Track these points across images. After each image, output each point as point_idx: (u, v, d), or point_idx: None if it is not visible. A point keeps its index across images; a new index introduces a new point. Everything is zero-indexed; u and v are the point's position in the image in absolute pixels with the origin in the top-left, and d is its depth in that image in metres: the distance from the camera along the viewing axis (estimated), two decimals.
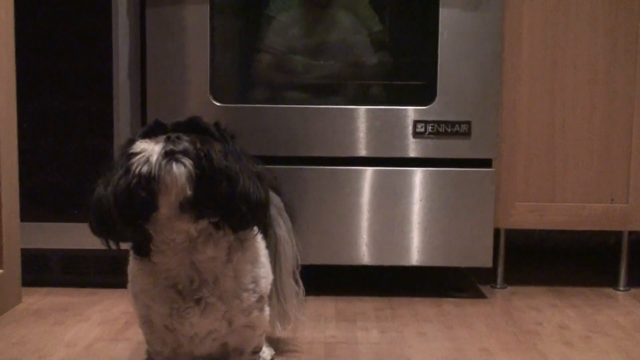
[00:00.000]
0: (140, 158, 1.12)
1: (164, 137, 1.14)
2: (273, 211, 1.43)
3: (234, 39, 2.17)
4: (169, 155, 1.11)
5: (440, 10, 1.93)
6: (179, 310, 1.23)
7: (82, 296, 1.98)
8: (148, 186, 1.10)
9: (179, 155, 1.11)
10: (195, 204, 1.13)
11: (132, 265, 1.28)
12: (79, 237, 1.99)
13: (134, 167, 1.11)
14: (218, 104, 1.96)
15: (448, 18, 1.94)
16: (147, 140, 1.15)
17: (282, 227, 1.46)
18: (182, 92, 1.97)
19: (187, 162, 1.11)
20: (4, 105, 1.81)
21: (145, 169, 1.11)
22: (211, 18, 1.96)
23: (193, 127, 1.18)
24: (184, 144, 1.13)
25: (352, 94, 2.12)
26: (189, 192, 1.11)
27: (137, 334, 1.65)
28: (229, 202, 1.15)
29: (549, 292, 2.09)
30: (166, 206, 1.13)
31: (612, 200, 2.04)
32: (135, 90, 2.00)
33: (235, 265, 1.24)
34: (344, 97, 2.11)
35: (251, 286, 1.26)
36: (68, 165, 2.00)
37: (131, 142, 1.17)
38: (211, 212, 1.16)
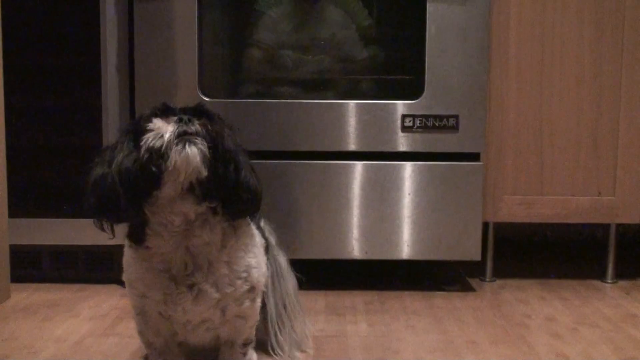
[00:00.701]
0: (153, 134, 1.14)
1: (175, 117, 1.16)
2: (272, 240, 1.47)
3: (223, 33, 2.16)
4: (181, 136, 1.13)
5: (427, 4, 1.94)
6: (172, 296, 1.24)
7: (72, 292, 1.98)
8: (157, 162, 1.12)
9: (193, 137, 1.14)
10: (205, 185, 1.16)
11: (127, 254, 1.29)
12: (68, 232, 1.99)
13: (147, 142, 1.13)
14: (207, 98, 1.96)
15: (435, 12, 1.94)
16: (161, 119, 1.17)
17: (282, 256, 1.50)
18: (171, 87, 1.96)
19: (201, 143, 1.14)
20: None
21: (157, 143, 1.13)
22: (199, 12, 1.96)
23: (200, 112, 1.20)
24: (196, 126, 1.15)
25: (341, 89, 2.12)
26: (204, 173, 1.14)
27: (127, 329, 1.66)
28: (232, 188, 1.18)
29: (538, 284, 2.11)
30: (172, 186, 1.15)
31: (599, 193, 2.06)
32: (124, 85, 2.00)
33: (229, 252, 1.25)
34: (333, 91, 2.11)
35: (244, 275, 1.27)
36: (57, 160, 1.99)
37: (137, 122, 1.19)
38: (216, 195, 1.18)
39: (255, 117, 1.97)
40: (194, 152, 1.13)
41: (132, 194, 1.15)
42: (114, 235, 1.22)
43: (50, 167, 2.00)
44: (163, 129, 1.15)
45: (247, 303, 1.30)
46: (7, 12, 1.87)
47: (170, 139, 1.13)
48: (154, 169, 1.13)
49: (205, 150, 1.15)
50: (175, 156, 1.12)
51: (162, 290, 1.24)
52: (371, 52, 2.14)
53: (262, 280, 1.34)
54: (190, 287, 1.24)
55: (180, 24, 1.95)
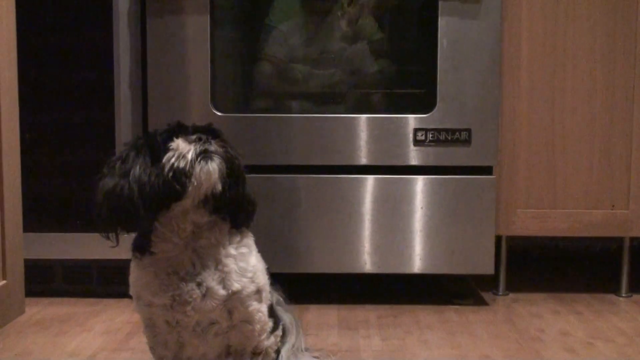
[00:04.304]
0: (176, 154, 1.22)
1: (194, 137, 1.24)
2: (276, 302, 1.50)
3: (235, 48, 2.18)
4: (202, 154, 1.22)
5: (439, 18, 1.94)
6: (180, 295, 1.26)
7: (85, 306, 1.98)
8: (181, 180, 1.21)
9: (212, 155, 1.23)
10: (217, 199, 1.24)
11: (133, 268, 1.31)
12: (81, 247, 2.00)
13: (170, 162, 1.21)
14: (219, 113, 1.96)
15: (447, 26, 1.95)
16: (181, 139, 1.24)
17: (286, 317, 1.53)
18: (183, 102, 1.97)
19: (219, 160, 1.23)
20: (7, 116, 1.82)
21: (181, 164, 1.21)
22: (212, 28, 1.97)
23: (210, 131, 1.27)
24: (215, 145, 1.24)
25: (353, 103, 2.13)
26: (219, 188, 1.24)
27: (140, 344, 1.66)
28: (239, 201, 1.29)
29: (551, 298, 2.09)
30: (191, 199, 1.23)
31: (612, 206, 2.05)
32: (137, 101, 2.01)
33: (237, 248, 1.31)
34: (345, 105, 2.12)
35: (250, 274, 1.31)
36: (70, 176, 2.00)
37: (151, 137, 1.26)
38: (225, 208, 1.27)
39: (266, 131, 1.97)
40: (215, 167, 1.23)
41: (151, 205, 1.21)
42: (117, 244, 1.25)
43: (64, 182, 2.01)
44: (184, 149, 1.22)
45: (254, 305, 1.32)
46: (21, 28, 1.89)
47: (192, 158, 1.21)
48: (177, 186, 1.21)
49: (223, 167, 1.24)
50: (198, 171, 1.21)
51: (170, 292, 1.26)
52: (382, 65, 2.15)
53: (268, 286, 1.37)
54: (199, 285, 1.27)
55: (192, 39, 1.96)
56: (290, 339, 1.54)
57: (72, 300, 2.02)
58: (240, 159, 1.29)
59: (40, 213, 2.01)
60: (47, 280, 2.05)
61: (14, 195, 1.86)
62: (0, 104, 1.79)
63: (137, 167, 1.22)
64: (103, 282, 2.04)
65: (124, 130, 1.98)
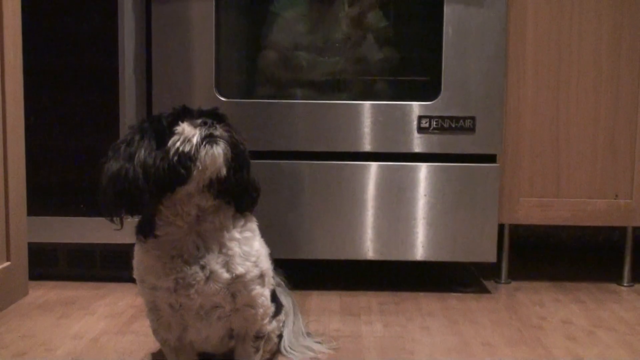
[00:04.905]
0: (182, 138, 1.21)
1: (199, 121, 1.23)
2: (278, 285, 1.51)
3: (239, 35, 2.17)
4: (207, 138, 1.22)
5: (444, 6, 1.94)
6: (184, 278, 1.26)
7: (88, 290, 1.99)
8: (186, 164, 1.20)
9: (217, 139, 1.23)
10: (222, 183, 1.25)
11: (137, 251, 1.32)
12: (84, 231, 2.00)
13: (176, 145, 1.21)
14: (223, 99, 1.96)
15: (452, 14, 1.94)
16: (186, 123, 1.23)
17: (287, 301, 1.55)
18: (188, 88, 1.97)
19: (224, 145, 1.23)
20: (12, 101, 1.82)
21: (186, 148, 1.20)
22: (216, 14, 1.97)
23: (215, 116, 1.27)
24: (220, 130, 1.24)
25: (357, 90, 2.13)
26: (224, 172, 1.24)
27: (143, 327, 1.67)
28: (244, 186, 1.29)
29: (553, 287, 2.10)
30: (195, 183, 1.23)
31: (616, 196, 2.05)
32: (141, 86, 2.01)
33: (241, 232, 1.31)
34: (349, 92, 2.11)
35: (253, 259, 1.31)
36: (74, 160, 2.01)
37: (156, 120, 1.25)
38: (230, 192, 1.28)
39: (270, 117, 1.97)
40: (220, 152, 1.22)
41: (156, 189, 1.22)
42: (122, 227, 1.26)
43: (68, 166, 2.02)
44: (190, 133, 1.22)
45: (257, 289, 1.32)
46: (26, 11, 1.89)
47: (198, 142, 1.21)
48: (182, 170, 1.20)
49: (227, 151, 1.24)
50: (203, 155, 1.21)
51: (174, 275, 1.26)
52: (387, 53, 2.14)
53: (271, 271, 1.38)
54: (203, 267, 1.27)
55: (197, 25, 1.96)
56: (289, 322, 1.55)
57: (76, 284, 2.03)
58: (245, 144, 1.29)
59: (45, 197, 2.01)
60: (50, 264, 2.06)
61: (18, 178, 1.86)
62: (5, 88, 1.79)
63: (142, 151, 1.22)
64: (106, 266, 2.05)
65: (129, 114, 1.98)
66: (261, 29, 2.14)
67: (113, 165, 1.22)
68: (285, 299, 1.54)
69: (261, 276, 1.33)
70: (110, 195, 1.22)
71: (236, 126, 1.30)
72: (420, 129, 1.96)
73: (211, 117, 1.26)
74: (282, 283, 1.57)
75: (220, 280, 1.28)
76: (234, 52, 2.15)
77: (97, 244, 2.02)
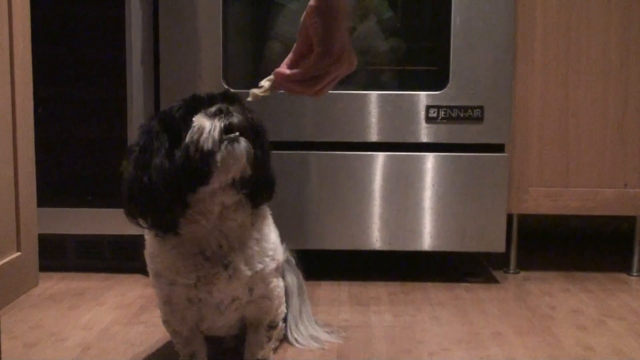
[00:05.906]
0: (198, 132, 1.15)
1: (213, 109, 1.17)
2: (286, 261, 1.50)
3: (247, 26, 2.17)
4: (228, 132, 1.16)
5: None
6: (206, 276, 1.25)
7: (98, 281, 2.00)
8: (207, 162, 1.15)
9: (238, 136, 1.16)
10: (248, 181, 1.21)
11: (151, 246, 1.29)
12: (94, 222, 2.01)
13: (194, 142, 1.15)
14: (231, 89, 1.96)
15: (460, 3, 1.93)
16: (201, 115, 1.17)
17: (291, 278, 1.54)
18: (195, 79, 1.97)
19: (245, 141, 1.17)
20: (21, 92, 1.82)
21: (207, 145, 1.14)
22: (224, 4, 1.96)
23: (227, 98, 1.22)
24: (237, 116, 1.18)
25: (365, 80, 2.12)
26: (249, 172, 1.20)
27: (152, 318, 1.67)
28: (265, 180, 1.26)
29: (562, 277, 2.09)
30: (218, 181, 1.18)
31: (625, 185, 2.04)
32: (149, 77, 2.01)
33: (259, 229, 1.29)
34: (357, 82, 2.11)
35: (271, 253, 1.30)
36: (83, 151, 2.01)
37: (165, 114, 1.20)
38: (252, 186, 1.23)
39: (278, 108, 1.97)
40: (242, 152, 1.17)
41: (177, 192, 1.17)
42: (150, 227, 1.23)
43: (77, 157, 2.02)
44: (207, 126, 1.16)
45: (274, 282, 1.32)
46: (35, 5, 1.89)
47: (218, 139, 1.15)
48: (205, 168, 1.15)
49: (250, 149, 1.18)
50: (224, 155, 1.15)
51: (196, 273, 1.25)
52: (394, 43, 2.13)
53: (282, 258, 1.38)
54: (226, 266, 1.25)
55: (204, 15, 1.96)
56: (293, 304, 1.52)
57: (85, 275, 2.04)
58: (266, 135, 1.25)
59: (54, 188, 2.02)
60: (60, 255, 2.06)
61: (27, 169, 1.86)
62: (14, 79, 1.79)
63: (157, 155, 1.16)
64: (115, 257, 2.05)
65: (136, 105, 1.98)
66: (267, 20, 2.13)
67: (130, 175, 1.19)
68: (289, 276, 1.51)
69: (277, 268, 1.33)
70: (131, 206, 1.20)
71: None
72: (428, 119, 1.96)
73: (223, 100, 1.20)
74: (292, 260, 1.54)
75: (242, 277, 1.27)
76: (241, 43, 2.14)
77: (106, 235, 2.03)
